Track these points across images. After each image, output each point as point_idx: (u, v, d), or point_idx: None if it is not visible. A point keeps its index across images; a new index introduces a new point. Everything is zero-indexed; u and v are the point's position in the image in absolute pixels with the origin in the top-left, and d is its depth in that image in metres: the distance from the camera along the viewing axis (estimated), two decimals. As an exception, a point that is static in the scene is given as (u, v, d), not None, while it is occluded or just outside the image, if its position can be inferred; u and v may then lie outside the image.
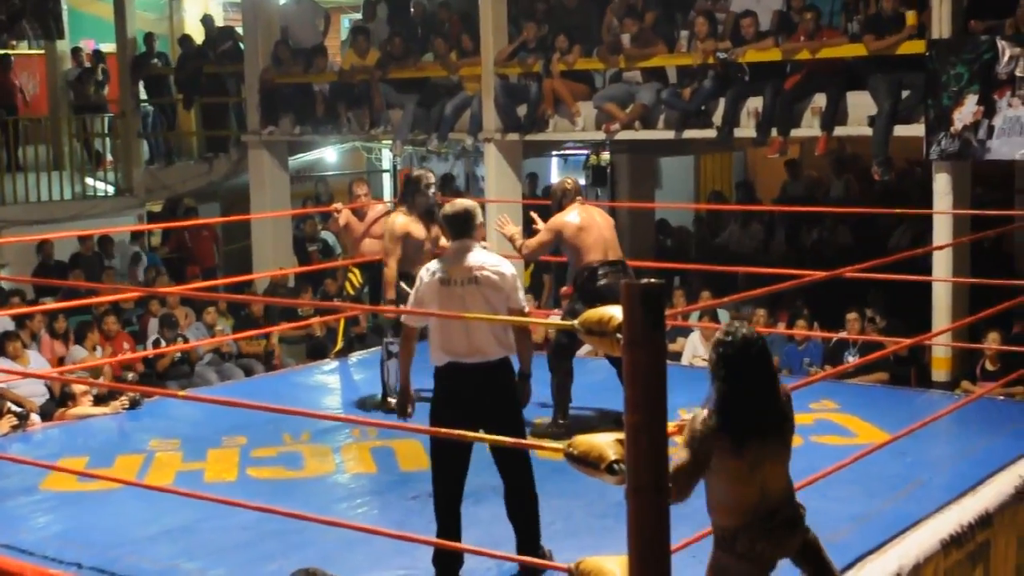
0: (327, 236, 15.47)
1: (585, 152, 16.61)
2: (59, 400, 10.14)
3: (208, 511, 5.89)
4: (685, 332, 11.19)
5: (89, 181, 16.58)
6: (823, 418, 7.42)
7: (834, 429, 7.20)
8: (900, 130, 10.47)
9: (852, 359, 10.13)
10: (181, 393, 6.42)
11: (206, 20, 17.21)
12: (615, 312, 3.96)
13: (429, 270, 5.33)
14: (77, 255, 14.55)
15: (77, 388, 8.84)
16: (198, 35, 17.30)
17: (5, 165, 15.48)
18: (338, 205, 10.05)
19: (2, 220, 14.74)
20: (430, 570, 5.22)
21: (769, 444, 4.10)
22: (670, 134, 11.78)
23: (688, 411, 4.17)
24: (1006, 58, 9.81)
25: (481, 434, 5.04)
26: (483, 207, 13.54)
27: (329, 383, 9.10)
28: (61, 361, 11.30)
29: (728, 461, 4.08)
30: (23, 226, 14.45)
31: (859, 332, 10.23)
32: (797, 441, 6.61)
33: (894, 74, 10.41)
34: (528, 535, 5.29)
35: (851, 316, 10.39)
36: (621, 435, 3.95)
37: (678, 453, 4.06)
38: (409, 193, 8.02)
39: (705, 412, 4.08)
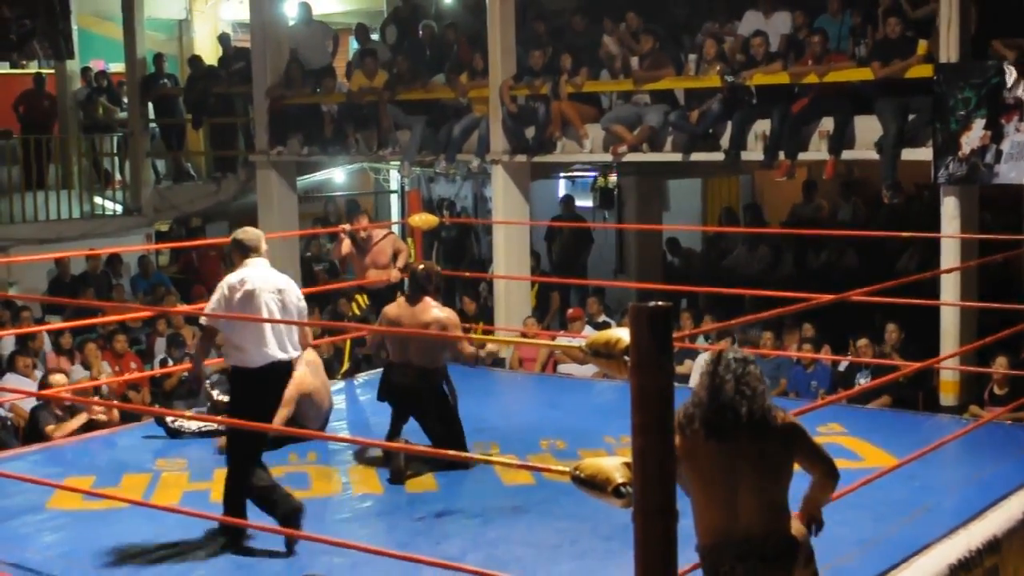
0: (335, 255, 15.52)
1: (593, 174, 16.64)
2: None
3: (214, 531, 5.89)
4: (692, 354, 11.18)
5: (98, 200, 16.65)
6: (831, 442, 7.37)
7: (842, 453, 7.17)
8: (908, 154, 10.48)
9: (863, 381, 10.11)
10: (188, 413, 6.42)
11: (223, 38, 17.29)
12: (623, 334, 3.96)
13: (242, 280, 5.87)
14: (85, 274, 14.59)
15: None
16: (208, 56, 17.37)
17: (26, 184, 15.57)
18: (345, 226, 10.10)
19: (13, 239, 14.80)
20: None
21: (739, 465, 4.07)
22: (678, 156, 11.80)
23: None
24: (1012, 82, 9.82)
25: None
26: (490, 228, 13.70)
27: (335, 403, 9.08)
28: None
29: (690, 467, 4.07)
30: (32, 244, 14.51)
31: (871, 356, 10.20)
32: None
33: (901, 98, 10.43)
34: None
35: (862, 343, 10.36)
36: (628, 458, 3.95)
37: None
38: None
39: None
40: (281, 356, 5.90)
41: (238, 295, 5.84)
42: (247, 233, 6.15)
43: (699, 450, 4.08)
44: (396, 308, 7.35)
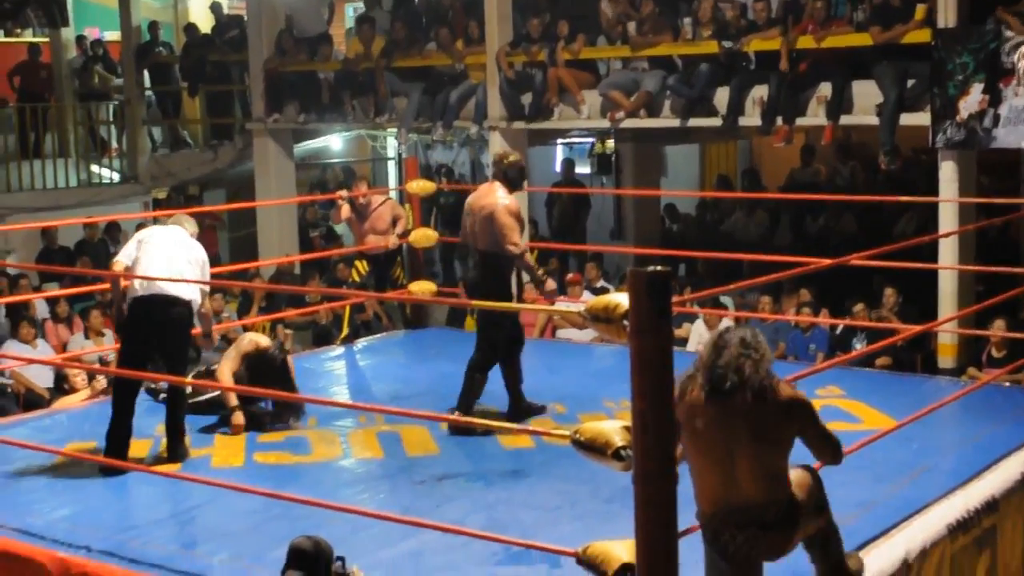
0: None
1: (590, 140, 16.61)
2: (55, 387, 10.24)
3: (215, 496, 5.92)
4: (691, 318, 11.21)
5: (95, 168, 16.62)
6: (829, 404, 7.41)
7: (840, 415, 7.20)
8: (906, 119, 10.46)
9: (859, 346, 10.14)
10: (188, 380, 6.44)
11: (215, 7, 17.21)
12: (621, 299, 3.97)
13: (148, 230, 6.80)
14: (83, 242, 14.59)
15: (73, 376, 8.98)
16: (203, 23, 17.30)
17: (22, 152, 15.54)
18: (342, 193, 10.09)
19: (9, 207, 14.79)
20: (437, 553, 5.24)
21: (737, 430, 4.08)
22: (675, 122, 11.77)
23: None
24: (1011, 47, 9.80)
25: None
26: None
27: (335, 369, 9.12)
28: (64, 347, 11.37)
29: (688, 434, 4.09)
30: (30, 213, 14.51)
31: (868, 321, 10.23)
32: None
33: (900, 63, 10.40)
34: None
35: (857, 308, 10.38)
36: (627, 422, 3.97)
37: None
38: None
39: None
40: (166, 290, 6.45)
41: (138, 238, 6.70)
42: (176, 215, 7.12)
43: (698, 414, 4.10)
44: (474, 194, 7.45)
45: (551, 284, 7.27)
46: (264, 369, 7.27)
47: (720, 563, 4.19)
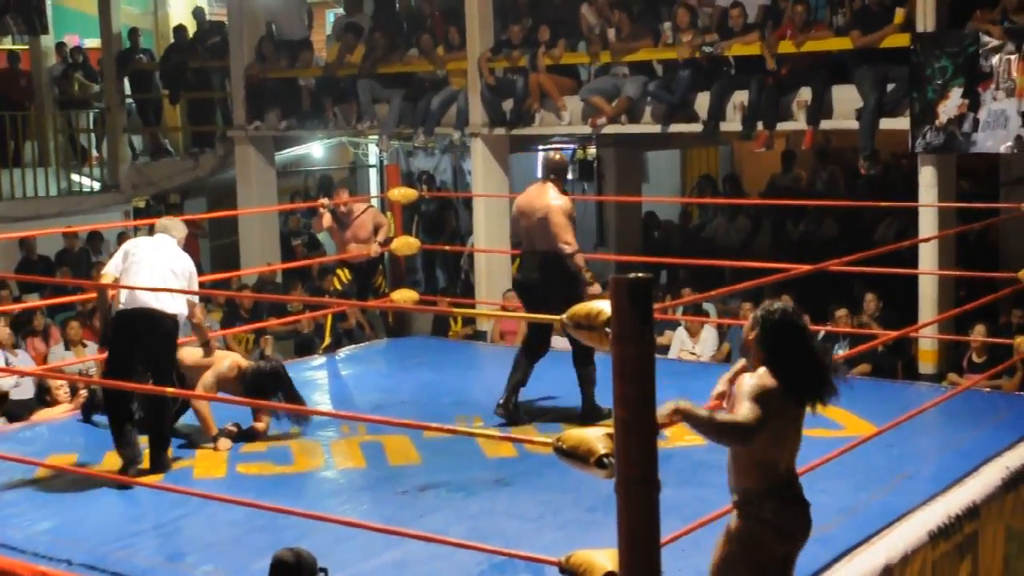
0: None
1: (572, 146, 16.61)
2: (37, 398, 10.18)
3: (198, 507, 5.90)
4: (672, 325, 11.21)
5: (75, 177, 16.55)
6: (809, 410, 7.42)
7: (822, 421, 7.09)
8: (885, 123, 10.51)
9: (841, 352, 10.16)
10: (170, 390, 6.41)
11: (197, 13, 17.17)
12: (604, 307, 3.97)
13: (133, 242, 6.89)
14: (63, 251, 14.52)
15: (56, 389, 8.97)
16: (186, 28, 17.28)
17: (1, 161, 15.46)
18: (324, 201, 10.08)
19: (-11, 216, 14.74)
20: (420, 563, 5.23)
21: (798, 431, 4.31)
22: (656, 128, 11.80)
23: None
24: (989, 51, 9.84)
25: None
26: (470, 201, 13.70)
27: (317, 379, 9.09)
28: (44, 359, 11.31)
29: (778, 420, 4.19)
30: (8, 223, 14.44)
31: (850, 326, 10.24)
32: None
33: (879, 67, 10.44)
34: None
35: (840, 313, 10.40)
36: (610, 429, 3.97)
37: (739, 407, 4.13)
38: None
39: (764, 373, 4.22)
40: (150, 303, 6.44)
41: (124, 249, 6.75)
42: (162, 221, 7.10)
43: (790, 411, 4.29)
44: (524, 195, 7.56)
45: (597, 288, 7.27)
46: (274, 385, 7.21)
47: (759, 533, 4.21)
